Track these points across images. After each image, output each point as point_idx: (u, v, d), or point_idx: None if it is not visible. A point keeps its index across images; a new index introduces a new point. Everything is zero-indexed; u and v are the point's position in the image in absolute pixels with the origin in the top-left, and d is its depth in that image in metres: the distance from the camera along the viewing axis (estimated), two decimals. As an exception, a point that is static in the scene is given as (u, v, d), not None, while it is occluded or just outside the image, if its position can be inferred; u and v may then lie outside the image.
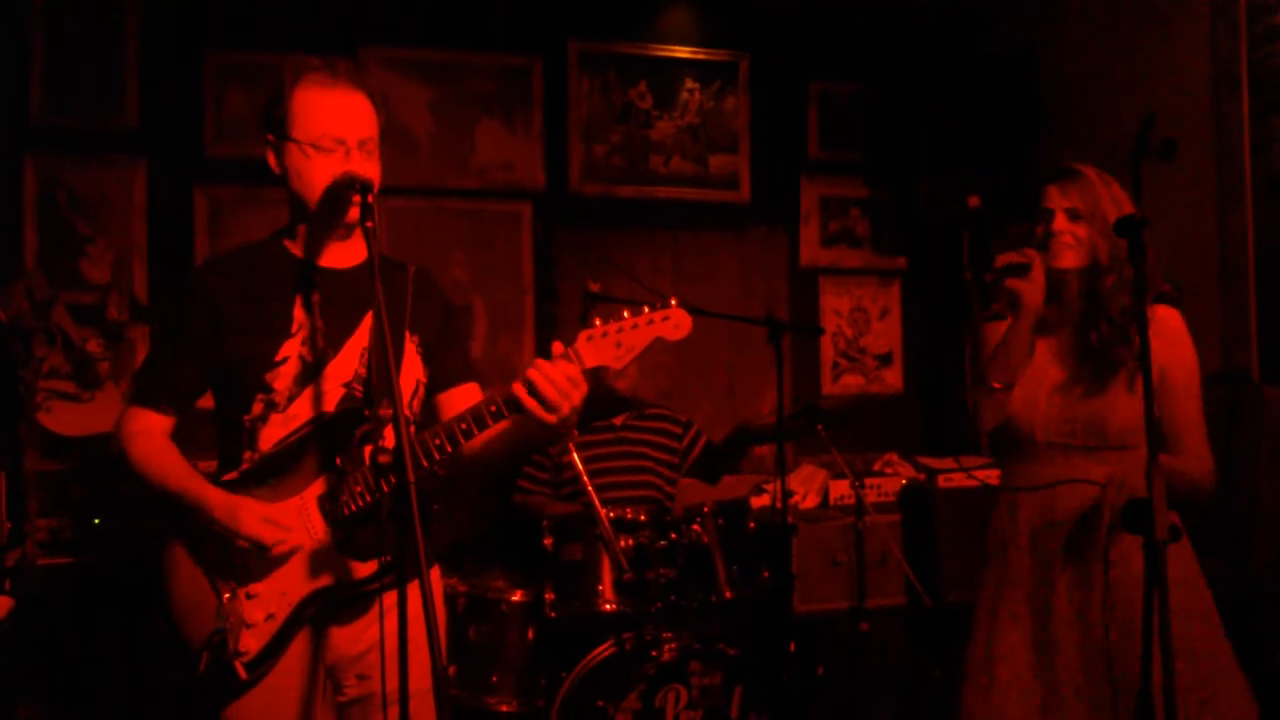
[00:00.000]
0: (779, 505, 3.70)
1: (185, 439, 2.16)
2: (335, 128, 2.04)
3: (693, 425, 4.06)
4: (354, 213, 2.02)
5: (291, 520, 2.03)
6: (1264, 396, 3.49)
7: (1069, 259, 2.40)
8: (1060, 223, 2.40)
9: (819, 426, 3.84)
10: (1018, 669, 2.37)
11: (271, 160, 2.11)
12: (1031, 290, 2.35)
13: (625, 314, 1.89)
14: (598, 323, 1.91)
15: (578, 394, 1.90)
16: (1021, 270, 2.36)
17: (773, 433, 3.71)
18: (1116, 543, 2.28)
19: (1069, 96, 4.58)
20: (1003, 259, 2.39)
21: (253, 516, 1.99)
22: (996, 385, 2.37)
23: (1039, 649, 2.37)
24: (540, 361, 1.89)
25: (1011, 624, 2.40)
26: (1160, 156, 3.89)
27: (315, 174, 2.05)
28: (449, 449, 1.97)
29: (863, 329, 5.23)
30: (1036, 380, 2.44)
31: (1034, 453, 2.43)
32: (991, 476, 3.20)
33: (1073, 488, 2.36)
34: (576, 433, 3.53)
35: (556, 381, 1.88)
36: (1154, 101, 4.05)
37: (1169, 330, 2.40)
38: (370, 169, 2.06)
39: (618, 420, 3.92)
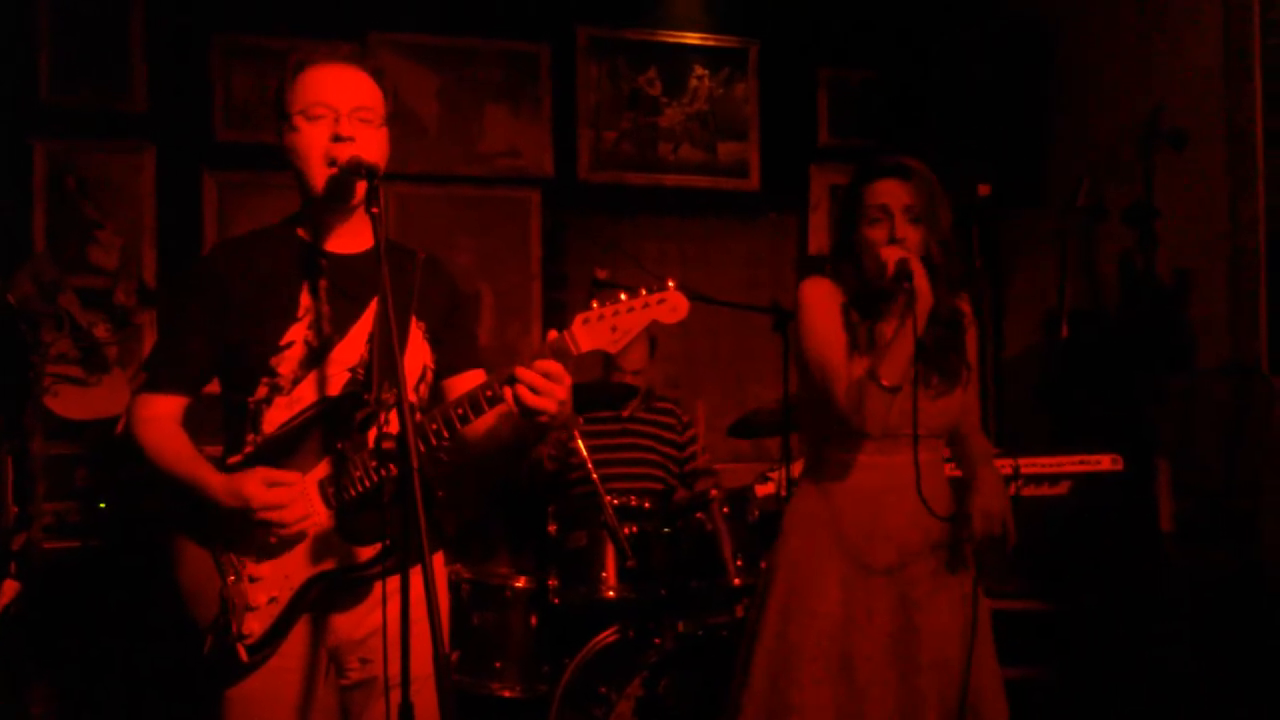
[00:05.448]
0: (784, 493, 3.69)
1: (197, 424, 2.16)
2: (324, 95, 2.03)
3: (691, 427, 4.09)
4: (358, 195, 2.01)
5: (294, 490, 2.03)
6: (1273, 388, 3.47)
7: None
8: (901, 225, 2.34)
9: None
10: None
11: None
12: (927, 288, 2.26)
13: (622, 297, 1.87)
14: (594, 305, 1.88)
15: (560, 388, 1.86)
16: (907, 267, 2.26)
17: (779, 421, 3.69)
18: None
19: (1079, 86, 4.55)
20: (895, 255, 2.28)
21: (257, 484, 1.97)
22: (887, 384, 2.26)
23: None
24: (519, 369, 1.86)
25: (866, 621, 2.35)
26: (1171, 146, 3.86)
27: (305, 143, 2.03)
28: (445, 434, 1.97)
29: (871, 318, 5.19)
30: None
31: (874, 441, 2.37)
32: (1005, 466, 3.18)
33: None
34: (581, 419, 3.53)
35: (535, 384, 1.85)
36: (1166, 89, 4.02)
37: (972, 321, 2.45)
38: (368, 138, 2.03)
39: (625, 411, 3.93)
